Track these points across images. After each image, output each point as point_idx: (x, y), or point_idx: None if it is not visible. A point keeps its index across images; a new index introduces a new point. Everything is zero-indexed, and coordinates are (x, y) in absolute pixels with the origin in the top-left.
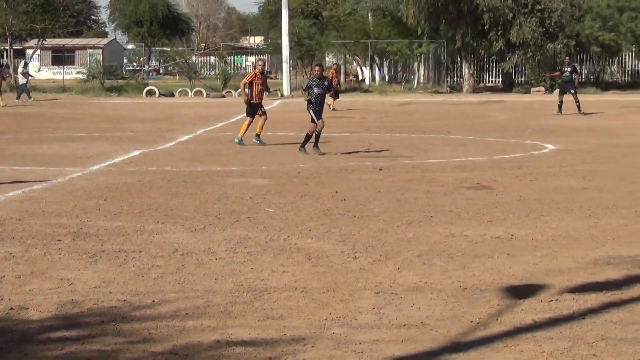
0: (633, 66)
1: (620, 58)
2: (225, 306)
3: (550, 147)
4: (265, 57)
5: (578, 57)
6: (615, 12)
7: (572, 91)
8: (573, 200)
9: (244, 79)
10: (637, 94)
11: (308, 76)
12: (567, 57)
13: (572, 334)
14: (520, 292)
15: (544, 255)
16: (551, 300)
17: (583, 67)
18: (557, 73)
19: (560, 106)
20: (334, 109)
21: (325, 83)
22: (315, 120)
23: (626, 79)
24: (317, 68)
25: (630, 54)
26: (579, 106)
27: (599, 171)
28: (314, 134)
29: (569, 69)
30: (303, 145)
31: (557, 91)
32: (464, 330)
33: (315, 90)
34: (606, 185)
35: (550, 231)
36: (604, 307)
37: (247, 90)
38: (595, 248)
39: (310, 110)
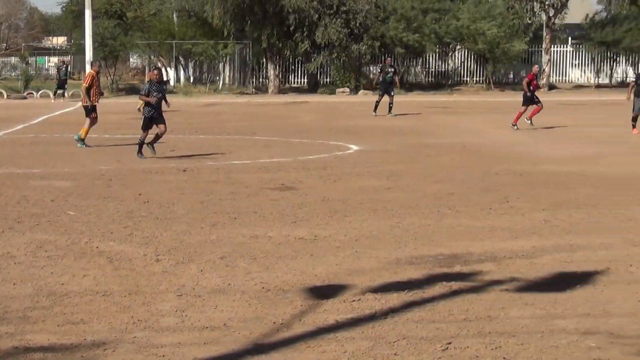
0: (436, 67)
1: (424, 59)
2: (23, 312)
3: (354, 147)
4: (68, 57)
5: (383, 58)
6: (419, 13)
7: (392, 93)
8: (376, 201)
9: (84, 84)
10: (440, 94)
11: (112, 77)
12: (388, 59)
13: (374, 333)
14: (323, 292)
15: (347, 255)
16: (354, 301)
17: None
18: (379, 75)
19: (376, 106)
20: (139, 109)
21: (164, 87)
22: (143, 130)
23: (430, 79)
24: (155, 72)
25: (433, 55)
26: (391, 108)
27: (402, 171)
28: (145, 139)
29: (392, 70)
30: (139, 151)
31: (362, 91)
32: (267, 332)
33: (155, 95)
34: (409, 185)
35: (354, 231)
36: (405, 306)
37: (86, 93)
38: (397, 248)
39: (145, 117)
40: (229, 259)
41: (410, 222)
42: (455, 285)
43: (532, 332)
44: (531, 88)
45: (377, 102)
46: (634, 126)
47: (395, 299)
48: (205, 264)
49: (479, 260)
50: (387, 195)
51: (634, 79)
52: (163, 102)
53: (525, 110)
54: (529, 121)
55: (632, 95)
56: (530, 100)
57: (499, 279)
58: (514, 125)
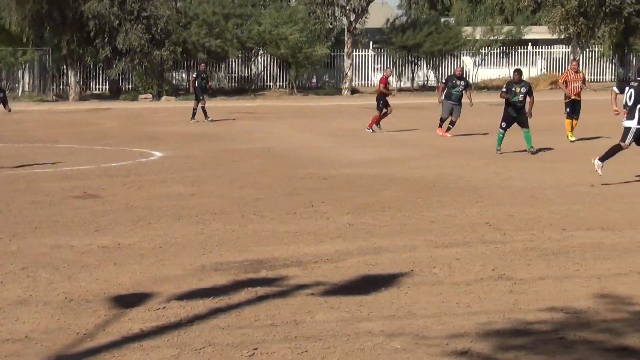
0: (240, 72)
1: (227, 64)
2: None
3: (158, 154)
4: None
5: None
6: (221, 19)
7: (202, 97)
8: (181, 207)
9: None
10: (244, 99)
11: None
12: (202, 64)
13: (179, 341)
14: (128, 301)
15: (151, 263)
16: (159, 309)
17: (190, 73)
18: (193, 79)
19: (200, 112)
20: None
21: (2, 95)
22: None
23: (233, 85)
24: None
25: (236, 60)
26: (199, 112)
27: (207, 177)
28: None
29: (206, 75)
30: None
31: (165, 98)
32: (70, 343)
33: None
34: (214, 191)
35: (158, 239)
36: (211, 313)
37: None
38: (203, 254)
39: None
40: (30, 269)
41: (215, 228)
42: (261, 290)
43: (338, 336)
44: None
45: (199, 109)
46: (440, 125)
47: (200, 305)
48: (5, 275)
49: (285, 265)
50: (191, 201)
51: (443, 82)
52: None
53: (379, 116)
54: (371, 130)
55: (442, 97)
56: (386, 103)
57: (305, 283)
58: (377, 127)
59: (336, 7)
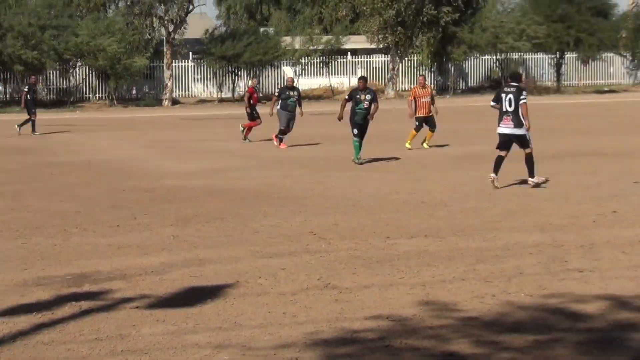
0: (58, 84)
1: (45, 76)
2: None
3: None
4: None
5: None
6: (37, 30)
7: (33, 110)
8: (0, 222)
9: None
10: (63, 111)
11: None
12: (32, 77)
13: (1, 358)
14: None
15: None
16: None
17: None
18: (25, 92)
19: (33, 125)
20: None
21: None
22: None
23: (52, 97)
24: None
25: (54, 72)
26: (33, 124)
27: (26, 191)
28: None
29: (35, 88)
30: None
31: None
32: None
33: None
34: (34, 205)
35: None
36: (34, 328)
37: None
38: (24, 269)
39: None
40: None
41: (37, 242)
42: (85, 304)
43: (165, 349)
44: (252, 102)
45: (33, 122)
46: (280, 140)
47: (23, 321)
48: None
49: (108, 279)
50: (11, 215)
51: (276, 94)
52: None
53: (256, 124)
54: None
55: (277, 109)
56: (251, 115)
57: (129, 296)
58: (245, 139)
59: (154, 18)
